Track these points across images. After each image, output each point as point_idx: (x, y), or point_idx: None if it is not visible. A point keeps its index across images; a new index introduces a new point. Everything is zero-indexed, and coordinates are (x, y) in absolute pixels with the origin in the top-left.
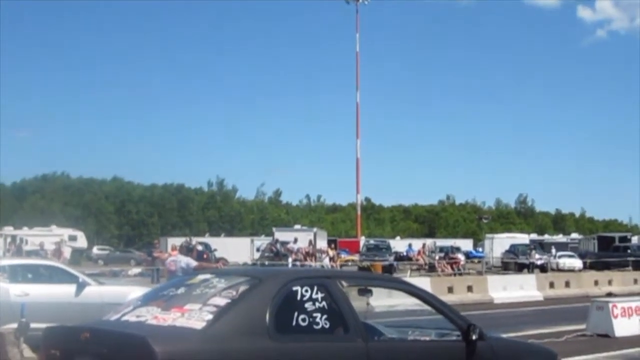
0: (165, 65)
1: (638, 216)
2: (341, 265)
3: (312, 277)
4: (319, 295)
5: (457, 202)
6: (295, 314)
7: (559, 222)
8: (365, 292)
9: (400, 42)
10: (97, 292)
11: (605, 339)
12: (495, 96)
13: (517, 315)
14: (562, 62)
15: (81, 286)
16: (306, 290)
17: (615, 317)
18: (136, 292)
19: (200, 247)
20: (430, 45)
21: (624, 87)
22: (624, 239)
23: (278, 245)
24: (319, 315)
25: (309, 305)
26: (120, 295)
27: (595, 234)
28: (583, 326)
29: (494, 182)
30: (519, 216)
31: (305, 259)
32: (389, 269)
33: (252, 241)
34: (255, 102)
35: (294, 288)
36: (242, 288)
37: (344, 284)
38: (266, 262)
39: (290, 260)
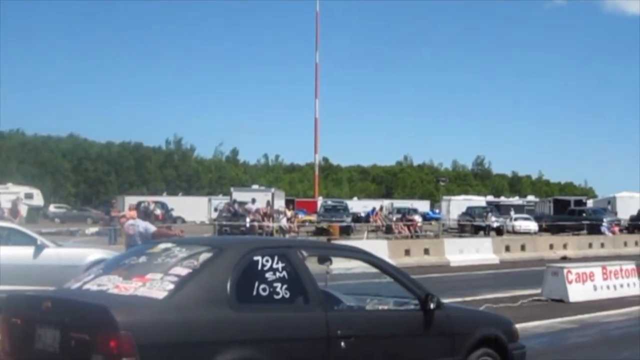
0: (125, 22)
1: (593, 180)
2: (298, 226)
3: (272, 247)
4: (280, 265)
5: (415, 164)
6: (256, 283)
7: (515, 184)
8: (325, 260)
9: (361, 1)
10: (56, 254)
11: (560, 304)
12: (454, 58)
13: (473, 279)
14: (520, 24)
15: (39, 248)
16: (267, 260)
17: (570, 282)
18: (94, 254)
19: (158, 212)
20: (391, 4)
21: (581, 50)
22: (579, 203)
23: (236, 206)
24: (279, 285)
25: (269, 275)
26: (79, 257)
27: (551, 196)
28: (538, 291)
29: (452, 144)
30: (476, 178)
31: (263, 220)
32: (346, 229)
33: (209, 200)
34: (214, 61)
35: (255, 258)
36: (203, 258)
37: (304, 253)
38: (224, 222)
39: (247, 220)
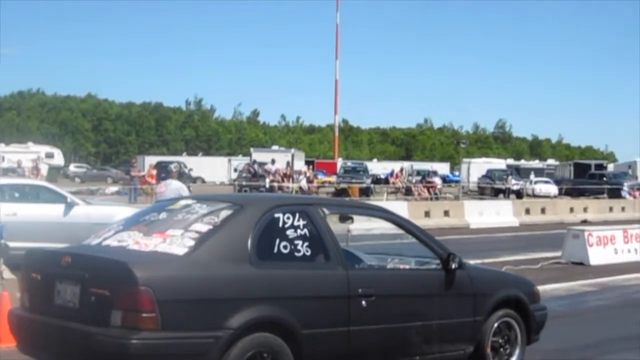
0: None
1: (614, 144)
2: (318, 187)
3: (293, 204)
4: (301, 223)
5: (435, 126)
6: (277, 240)
7: (535, 147)
8: (346, 219)
9: None
10: (85, 212)
11: (581, 267)
12: (476, 22)
13: (493, 241)
14: None
15: (69, 206)
16: (288, 218)
17: (591, 245)
18: (124, 212)
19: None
20: None
21: (603, 17)
22: (599, 167)
23: (255, 166)
24: (300, 242)
25: (290, 233)
26: (109, 215)
27: (572, 160)
28: (558, 254)
29: (473, 107)
30: (497, 141)
31: (283, 180)
32: (365, 191)
33: (229, 161)
34: (235, 22)
35: (276, 215)
36: (224, 214)
37: (326, 211)
38: (244, 183)
39: (267, 181)
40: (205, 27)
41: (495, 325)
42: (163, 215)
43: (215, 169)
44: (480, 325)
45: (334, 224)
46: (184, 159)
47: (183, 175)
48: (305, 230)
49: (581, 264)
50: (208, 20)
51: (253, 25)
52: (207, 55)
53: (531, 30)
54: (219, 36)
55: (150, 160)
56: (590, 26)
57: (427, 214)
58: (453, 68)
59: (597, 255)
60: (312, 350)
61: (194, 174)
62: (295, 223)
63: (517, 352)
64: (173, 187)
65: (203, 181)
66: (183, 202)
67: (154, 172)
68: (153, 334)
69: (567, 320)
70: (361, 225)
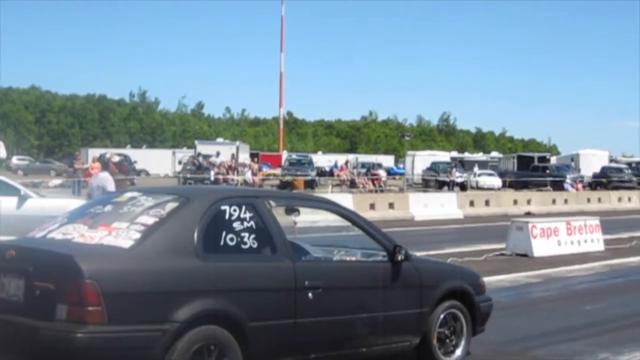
0: None
1: (557, 137)
2: (263, 179)
3: (240, 197)
4: (247, 215)
5: (380, 119)
6: (224, 233)
7: (479, 140)
8: (292, 211)
9: None
10: (40, 204)
11: (524, 259)
12: (421, 13)
13: (437, 233)
14: None
15: (23, 199)
16: (234, 210)
17: (535, 237)
18: (77, 204)
19: (116, 159)
20: None
21: (541, 10)
22: (543, 159)
23: (200, 159)
24: (247, 234)
25: (237, 225)
26: (63, 208)
27: (515, 153)
28: (502, 245)
29: (417, 100)
30: (441, 134)
31: (227, 173)
32: (310, 184)
33: (173, 153)
34: (179, 14)
35: (222, 207)
36: (170, 207)
37: (272, 203)
38: (188, 175)
39: (212, 173)
40: (150, 19)
41: (442, 316)
42: (108, 207)
43: (160, 162)
44: (427, 317)
45: (280, 216)
46: (128, 151)
47: (122, 166)
48: (252, 223)
49: (525, 255)
50: (153, 11)
51: (198, 17)
52: (151, 47)
53: (473, 23)
54: (163, 28)
55: (94, 152)
56: (531, 19)
57: (372, 207)
58: (397, 61)
59: (541, 247)
60: (259, 343)
61: (138, 166)
62: (242, 215)
63: (462, 343)
64: (99, 178)
65: (147, 174)
66: (129, 195)
67: (97, 164)
68: (99, 328)
69: (511, 312)
70: (307, 217)
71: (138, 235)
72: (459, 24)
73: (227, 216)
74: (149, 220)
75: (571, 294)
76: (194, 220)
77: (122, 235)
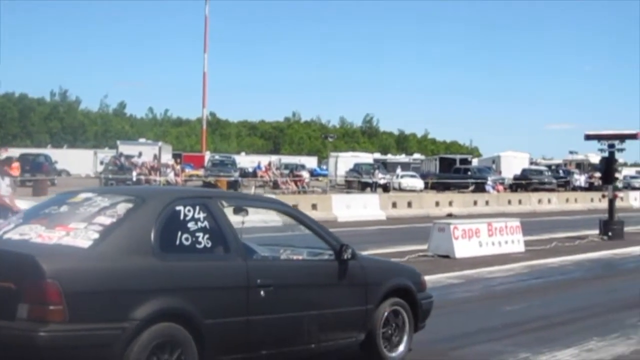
0: None
1: (478, 139)
2: (185, 180)
3: (194, 197)
4: (201, 215)
5: (303, 120)
6: (179, 233)
7: (402, 142)
8: (240, 211)
9: None
10: None
11: (446, 260)
12: (342, 13)
13: (360, 235)
14: None
15: None
16: (189, 210)
17: (456, 238)
18: (20, 204)
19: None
20: None
21: (462, 13)
22: (464, 161)
23: (122, 159)
24: (201, 234)
25: (191, 225)
26: None
27: (437, 155)
28: (425, 247)
29: (340, 101)
30: (364, 136)
31: (150, 173)
32: (234, 184)
33: (95, 154)
34: (102, 12)
35: (177, 208)
36: (126, 207)
37: (224, 203)
38: (110, 176)
39: (134, 174)
40: (71, 17)
41: (386, 313)
42: (64, 208)
43: (81, 162)
44: (372, 314)
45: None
46: (49, 151)
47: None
48: (206, 223)
49: (447, 256)
50: (74, 10)
51: (121, 16)
52: (72, 46)
53: (394, 23)
54: (85, 27)
55: (13, 152)
56: (453, 20)
57: (294, 208)
58: (320, 62)
59: (462, 248)
60: (214, 339)
61: (59, 166)
62: (196, 216)
63: (405, 338)
64: None
65: (68, 174)
66: (84, 195)
67: (17, 164)
68: (60, 326)
69: (433, 312)
70: (252, 217)
71: (97, 236)
72: (380, 25)
73: (181, 216)
74: (106, 220)
75: (492, 295)
76: (150, 220)
77: (80, 236)
